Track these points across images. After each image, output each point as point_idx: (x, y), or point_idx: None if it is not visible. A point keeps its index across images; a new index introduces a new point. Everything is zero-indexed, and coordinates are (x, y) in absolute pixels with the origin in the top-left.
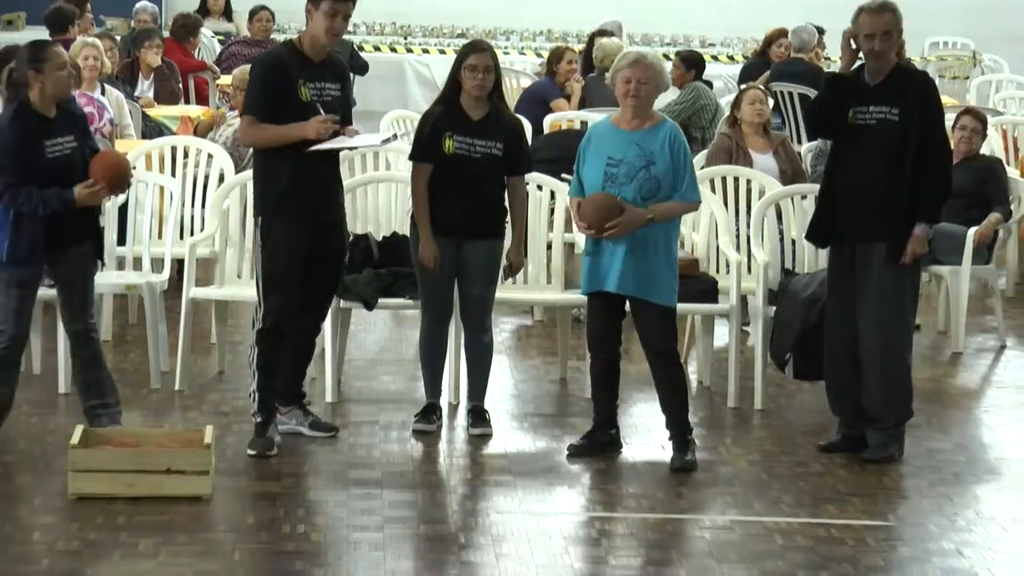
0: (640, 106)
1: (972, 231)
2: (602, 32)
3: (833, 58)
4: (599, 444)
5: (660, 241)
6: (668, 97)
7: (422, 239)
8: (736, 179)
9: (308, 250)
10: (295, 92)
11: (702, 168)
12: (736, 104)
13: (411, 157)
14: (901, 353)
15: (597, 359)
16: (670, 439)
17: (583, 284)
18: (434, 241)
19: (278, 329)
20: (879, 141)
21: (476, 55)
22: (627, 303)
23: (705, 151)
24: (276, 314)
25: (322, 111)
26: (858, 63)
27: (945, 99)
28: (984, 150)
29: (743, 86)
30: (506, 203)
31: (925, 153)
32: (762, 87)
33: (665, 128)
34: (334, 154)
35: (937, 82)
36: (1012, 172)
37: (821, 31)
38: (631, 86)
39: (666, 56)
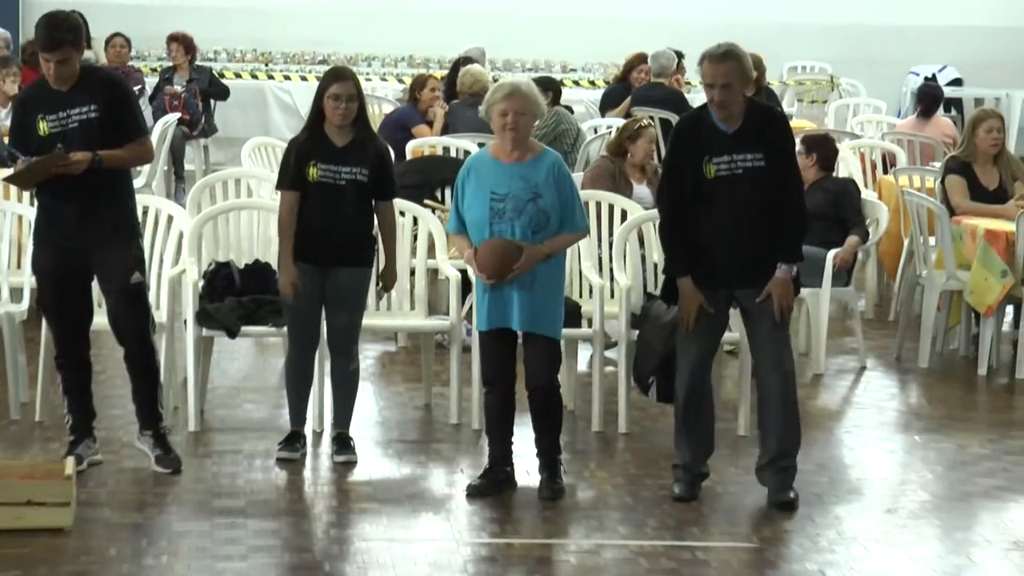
0: (519, 138)
1: (831, 254)
2: (467, 59)
3: (693, 83)
4: (497, 482)
5: (551, 274)
6: None
7: (283, 266)
8: (599, 203)
9: (65, 279)
10: (35, 128)
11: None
12: (632, 138)
13: (277, 186)
14: (795, 382)
15: (493, 394)
16: (540, 467)
17: (481, 320)
18: (294, 267)
19: (67, 356)
20: (749, 189)
21: (339, 84)
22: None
23: (575, 173)
24: (56, 342)
25: (61, 143)
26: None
27: (804, 123)
28: (843, 173)
29: (641, 120)
30: (374, 231)
31: (786, 192)
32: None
33: (548, 158)
34: (71, 180)
35: (796, 106)
36: (870, 195)
37: (681, 56)
38: (508, 119)
39: None
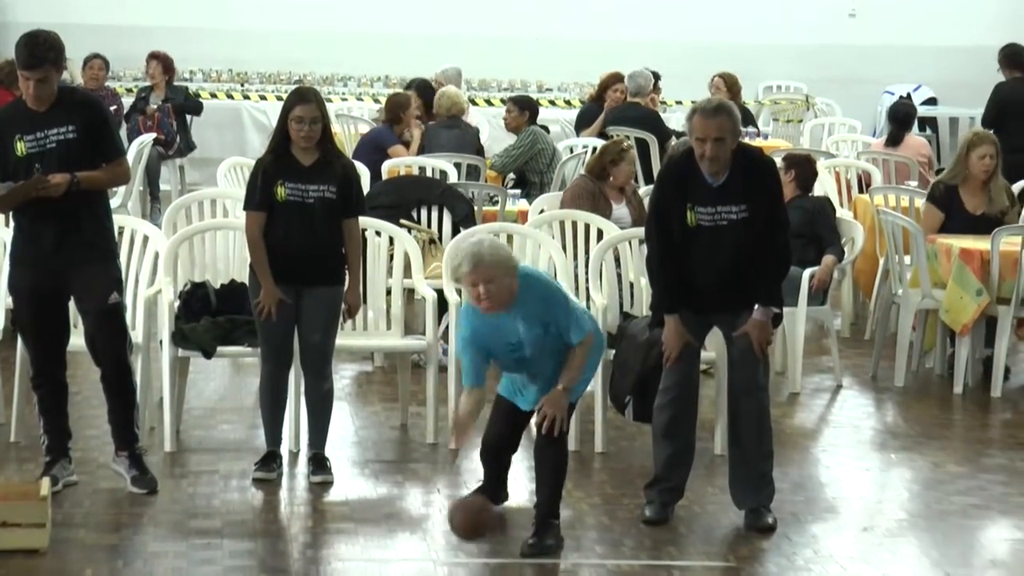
0: (498, 304)
1: (808, 273)
2: (423, 83)
3: (669, 102)
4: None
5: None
6: (506, 141)
7: (263, 286)
8: (574, 223)
9: (42, 299)
10: (12, 149)
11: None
12: (614, 161)
13: (245, 207)
14: (768, 400)
15: (487, 461)
16: (534, 519)
17: (502, 385)
18: (276, 287)
19: (43, 376)
20: (733, 239)
21: (302, 106)
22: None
23: (552, 192)
24: (33, 362)
25: (39, 164)
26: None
27: (779, 142)
28: (818, 191)
29: (623, 144)
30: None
31: (771, 236)
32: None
33: (526, 296)
34: (49, 201)
35: (771, 125)
36: (846, 214)
37: (657, 76)
38: (480, 290)
39: (502, 101)
